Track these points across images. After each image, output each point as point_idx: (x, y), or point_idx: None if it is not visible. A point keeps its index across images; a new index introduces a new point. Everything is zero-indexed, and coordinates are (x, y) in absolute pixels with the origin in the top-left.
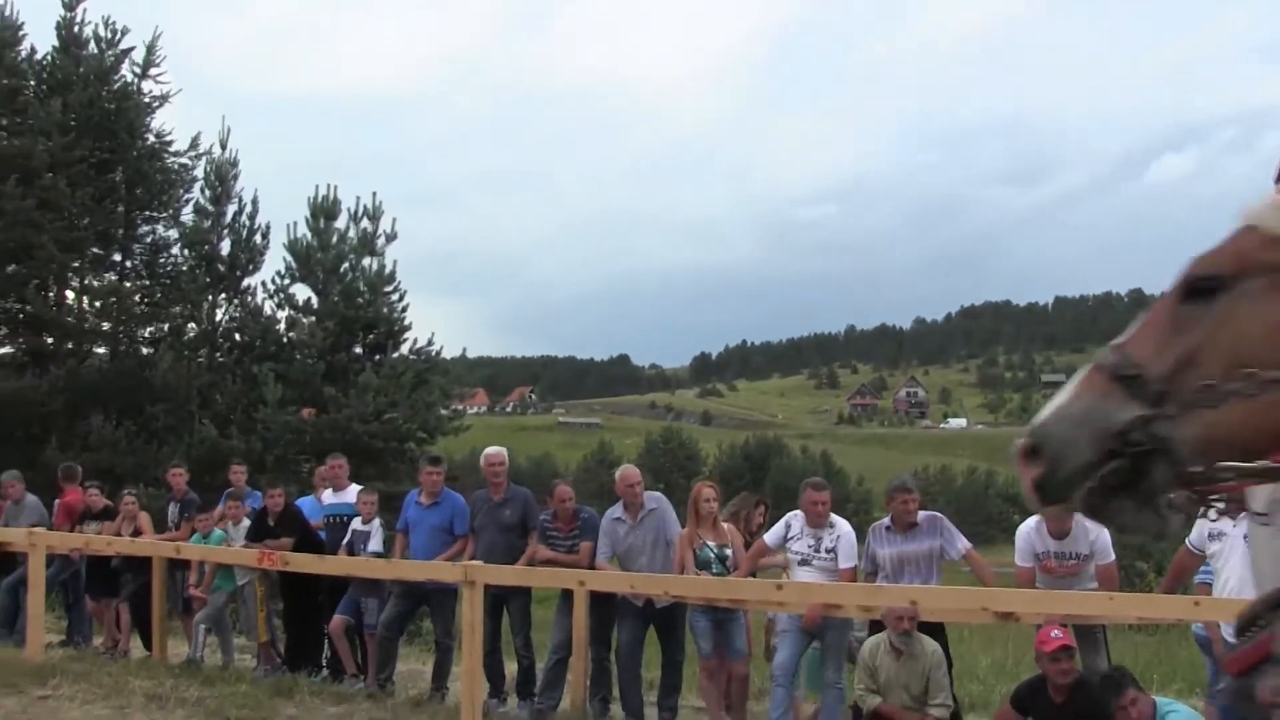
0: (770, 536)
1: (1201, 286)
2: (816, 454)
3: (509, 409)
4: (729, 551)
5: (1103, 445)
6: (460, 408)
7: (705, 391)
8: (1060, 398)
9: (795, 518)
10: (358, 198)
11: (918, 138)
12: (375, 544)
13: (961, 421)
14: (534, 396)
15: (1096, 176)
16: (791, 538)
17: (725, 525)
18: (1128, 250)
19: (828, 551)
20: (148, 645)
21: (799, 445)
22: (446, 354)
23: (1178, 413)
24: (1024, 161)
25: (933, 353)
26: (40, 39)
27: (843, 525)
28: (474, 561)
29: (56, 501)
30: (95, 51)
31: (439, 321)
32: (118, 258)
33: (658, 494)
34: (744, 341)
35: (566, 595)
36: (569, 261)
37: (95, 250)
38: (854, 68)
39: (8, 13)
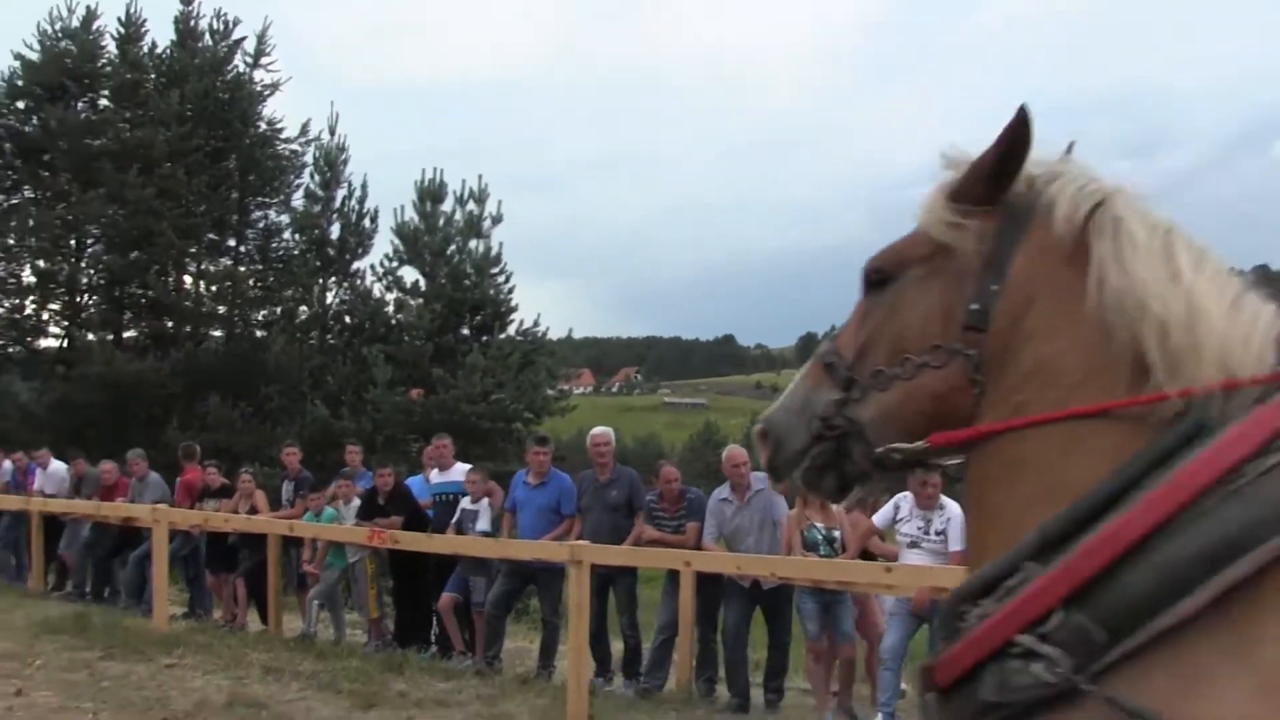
0: (879, 518)
1: (875, 279)
2: None
3: (614, 389)
4: (837, 533)
5: (812, 429)
6: (566, 388)
7: None
8: (790, 386)
9: (904, 499)
10: (463, 181)
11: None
12: (483, 523)
13: None
14: (639, 377)
15: (1215, 151)
16: (900, 520)
17: (834, 507)
18: (1252, 227)
19: (938, 534)
20: (264, 619)
21: None
22: (552, 335)
23: (860, 397)
24: (1138, 135)
25: None
26: (160, 34)
27: (953, 507)
28: (581, 541)
29: (177, 479)
30: (210, 43)
31: (545, 303)
32: (232, 243)
33: (764, 474)
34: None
35: (672, 576)
36: (675, 242)
37: (211, 236)
38: (963, 42)
39: (131, 11)
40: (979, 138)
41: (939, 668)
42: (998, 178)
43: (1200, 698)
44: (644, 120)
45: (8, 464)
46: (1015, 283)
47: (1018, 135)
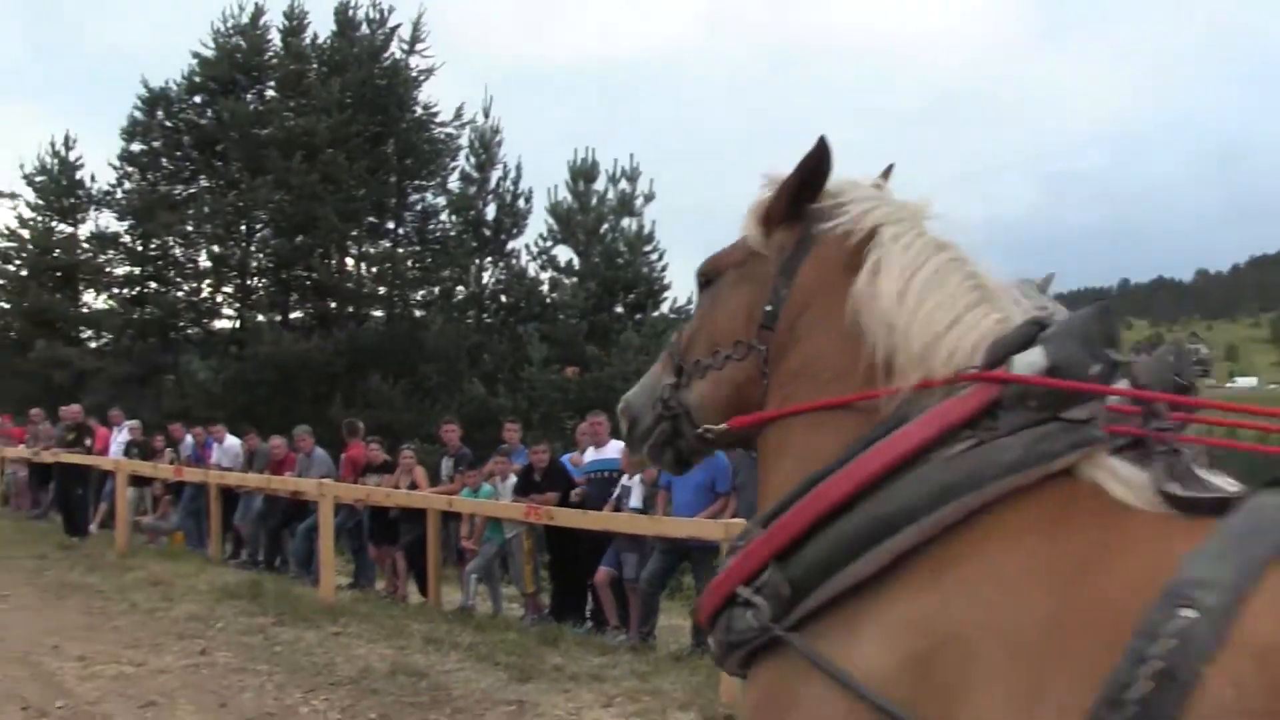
0: None
1: (703, 281)
2: None
3: None
4: None
5: (655, 410)
6: None
7: None
8: (649, 371)
9: None
10: (615, 160)
11: (1213, 74)
12: (636, 500)
13: (1251, 380)
14: None
15: None
16: None
17: None
18: None
19: None
20: (424, 591)
21: None
22: None
23: (687, 383)
24: None
25: (1218, 307)
26: (320, 25)
27: None
28: (735, 519)
29: (342, 455)
30: (367, 32)
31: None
32: (391, 225)
33: None
34: None
35: None
36: None
37: (371, 219)
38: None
39: (295, 5)
40: (1154, 112)
41: (697, 610)
42: (798, 197)
43: (854, 648)
44: (801, 93)
45: (189, 439)
46: (799, 289)
47: (816, 162)
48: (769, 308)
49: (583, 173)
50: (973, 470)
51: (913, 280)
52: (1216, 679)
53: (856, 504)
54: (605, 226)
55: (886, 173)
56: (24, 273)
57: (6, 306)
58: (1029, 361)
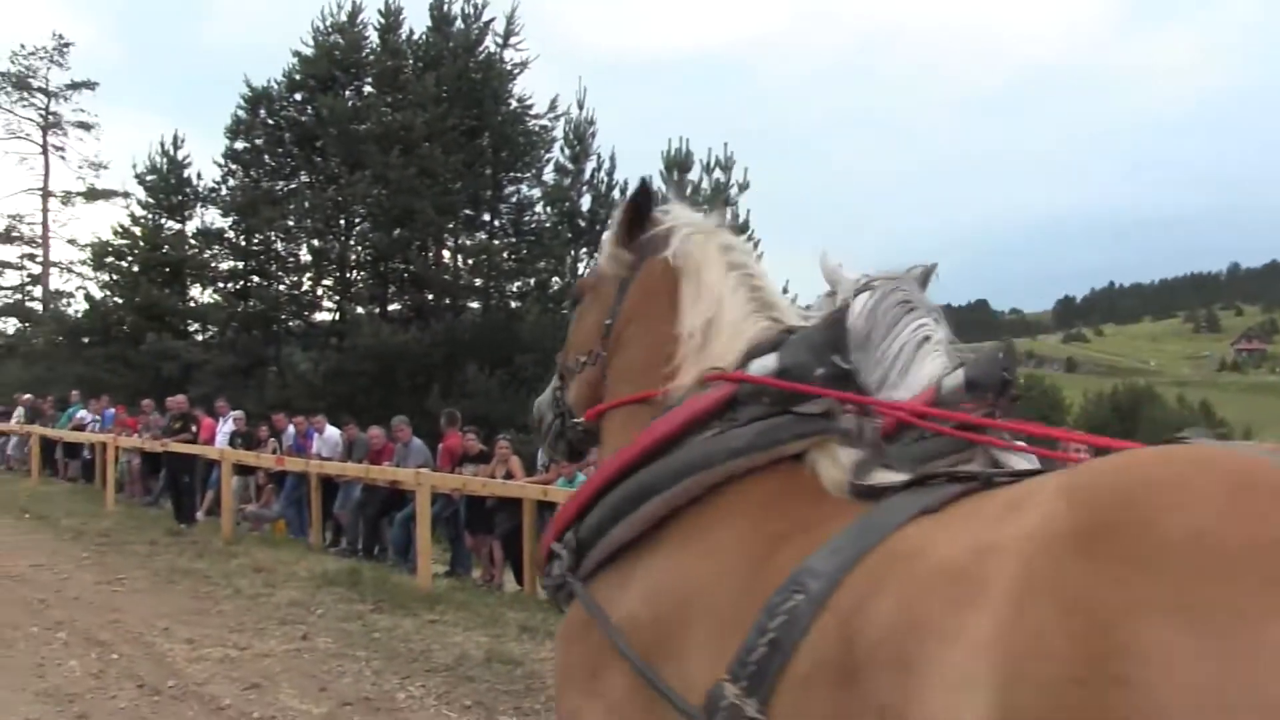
0: None
1: (574, 299)
2: (1195, 403)
3: None
4: None
5: (553, 410)
6: None
7: (1069, 337)
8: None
9: None
10: (709, 149)
11: None
12: None
13: None
14: None
15: None
16: None
17: None
18: None
19: None
20: (519, 580)
21: (1174, 394)
22: (802, 301)
23: (566, 386)
24: None
25: None
26: (416, 21)
27: None
28: None
29: (439, 445)
30: (462, 27)
31: (793, 269)
32: (487, 218)
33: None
34: (1111, 284)
35: None
36: (922, 205)
37: (467, 212)
38: None
39: (390, 1)
40: (1262, 85)
41: (538, 559)
42: (630, 229)
43: (620, 600)
44: (892, 80)
45: (290, 429)
46: (628, 305)
47: (638, 200)
48: (608, 322)
49: (676, 162)
50: (707, 453)
51: (705, 298)
52: (807, 646)
53: (622, 480)
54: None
55: (722, 204)
56: (135, 269)
57: (119, 302)
58: (762, 364)
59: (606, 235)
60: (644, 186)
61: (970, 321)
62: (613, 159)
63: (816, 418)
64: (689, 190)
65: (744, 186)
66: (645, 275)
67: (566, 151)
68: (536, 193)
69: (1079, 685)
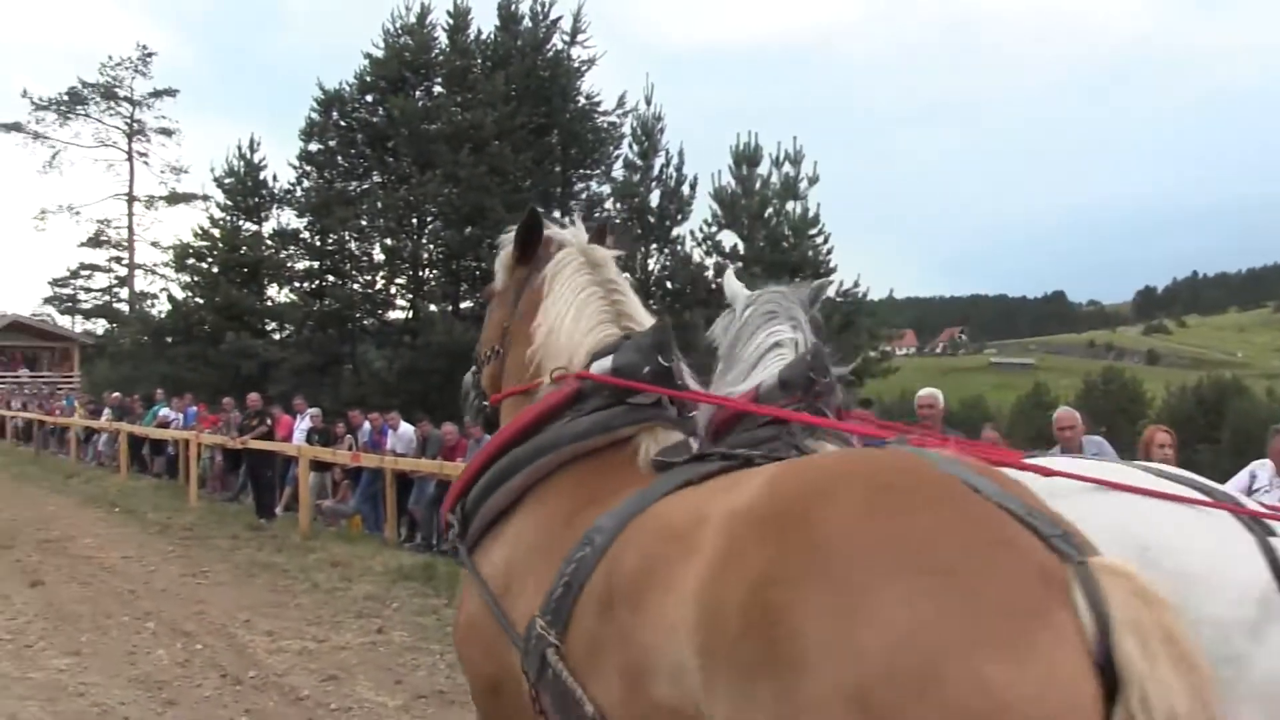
0: (1232, 487)
1: (483, 302)
2: None
3: (938, 350)
4: None
5: (474, 389)
6: (888, 349)
7: (1150, 328)
8: None
9: (1262, 468)
10: (778, 143)
11: None
12: None
13: None
14: (964, 337)
15: None
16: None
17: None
18: None
19: None
20: None
21: (1263, 386)
22: (873, 295)
23: (480, 371)
24: None
25: None
26: (484, 21)
27: None
28: None
29: None
30: (529, 26)
31: (865, 262)
32: (556, 215)
33: (1098, 438)
34: (1195, 273)
35: None
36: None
37: (537, 209)
38: None
39: (459, 2)
40: None
41: (444, 525)
42: (523, 249)
43: (489, 558)
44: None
45: (366, 425)
46: (520, 310)
47: (529, 226)
48: (506, 324)
49: (745, 157)
50: (556, 436)
51: (568, 309)
52: (589, 587)
53: (496, 459)
54: (770, 210)
55: (601, 231)
56: (215, 270)
57: (200, 302)
58: (601, 365)
59: (501, 254)
60: (532, 213)
61: (1046, 314)
62: (681, 154)
63: (646, 407)
64: (758, 185)
65: (813, 180)
66: (531, 289)
67: (635, 148)
68: (606, 189)
69: (748, 633)
